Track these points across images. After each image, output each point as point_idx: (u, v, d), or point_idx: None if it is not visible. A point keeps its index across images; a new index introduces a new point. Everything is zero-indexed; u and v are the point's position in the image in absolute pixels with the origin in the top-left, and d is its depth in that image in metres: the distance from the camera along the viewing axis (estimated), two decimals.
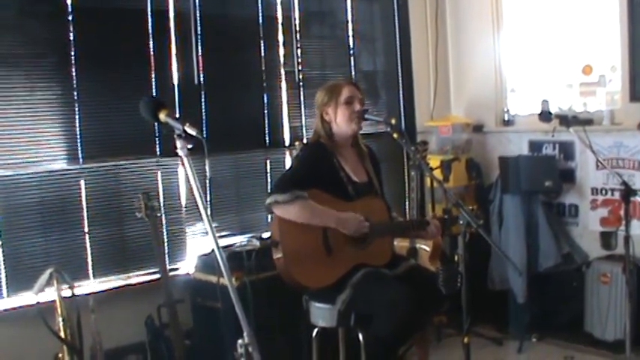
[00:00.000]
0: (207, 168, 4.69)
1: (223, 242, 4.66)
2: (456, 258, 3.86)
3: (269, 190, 3.89)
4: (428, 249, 4.87)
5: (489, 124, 6.00)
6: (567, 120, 4.74)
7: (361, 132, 3.98)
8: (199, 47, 4.89)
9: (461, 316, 3.49)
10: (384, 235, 3.89)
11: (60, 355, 3.67)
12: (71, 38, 4.38)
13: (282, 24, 5.35)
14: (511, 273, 5.34)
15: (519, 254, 5.30)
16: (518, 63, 6.17)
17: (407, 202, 5.76)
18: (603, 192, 5.34)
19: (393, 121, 3.81)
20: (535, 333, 5.35)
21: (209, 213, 2.45)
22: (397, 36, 6.06)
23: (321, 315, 3.75)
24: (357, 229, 3.65)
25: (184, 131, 2.45)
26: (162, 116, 2.52)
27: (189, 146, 2.46)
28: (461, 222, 3.71)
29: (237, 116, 5.12)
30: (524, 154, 5.66)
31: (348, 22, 5.80)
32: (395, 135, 3.75)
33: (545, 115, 4.95)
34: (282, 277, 3.67)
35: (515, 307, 5.39)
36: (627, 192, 4.17)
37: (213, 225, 2.86)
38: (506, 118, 5.98)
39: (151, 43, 4.70)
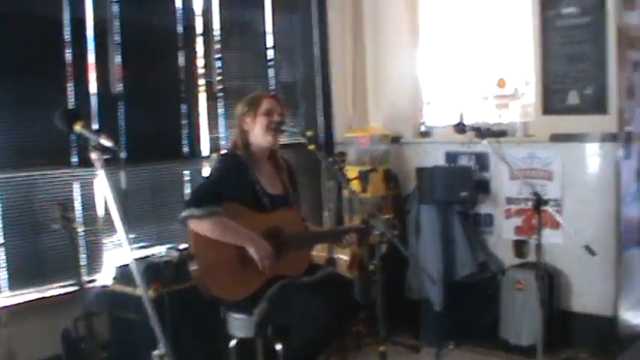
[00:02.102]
0: (122, 179, 4.64)
1: (141, 253, 4.60)
2: (371, 267, 3.92)
3: (185, 202, 3.87)
4: (346, 259, 4.90)
5: (407, 136, 6.10)
6: (482, 132, 4.86)
7: (280, 143, 4.00)
8: (118, 57, 4.82)
9: (379, 324, 3.54)
10: (300, 246, 3.91)
11: None
12: None
13: (202, 34, 5.32)
14: (429, 282, 5.42)
15: (436, 263, 5.38)
16: (434, 76, 6.29)
17: (325, 213, 5.80)
18: (517, 202, 5.48)
19: (310, 133, 3.84)
20: (452, 340, 5.42)
21: (125, 224, 2.42)
22: (316, 47, 6.11)
23: (239, 326, 3.76)
24: (262, 258, 3.64)
25: (99, 143, 2.43)
26: (77, 127, 2.49)
27: (105, 157, 2.44)
28: (376, 232, 3.77)
29: (156, 127, 5.05)
30: (441, 165, 5.76)
31: (267, 33, 5.81)
32: (311, 147, 3.79)
33: (460, 127, 5.06)
34: (199, 289, 3.66)
35: (432, 316, 5.45)
36: (538, 202, 4.30)
37: (131, 236, 2.83)
38: (423, 130, 6.09)
39: (68, 51, 4.60)
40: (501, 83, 5.94)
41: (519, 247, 5.49)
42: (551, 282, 5.18)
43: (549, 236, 5.07)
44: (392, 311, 4.79)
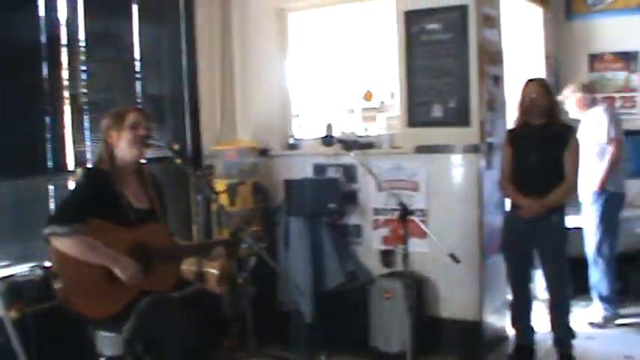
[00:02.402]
0: None
1: (3, 272, 4.41)
2: (240, 281, 3.92)
3: (48, 219, 3.74)
4: (216, 272, 4.87)
5: (275, 148, 6.09)
6: (349, 144, 4.95)
7: (147, 157, 3.95)
8: None
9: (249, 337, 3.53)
10: (168, 261, 3.86)
11: None
12: None
13: (67, 45, 5.15)
14: (299, 293, 5.43)
15: (305, 274, 5.39)
16: (303, 88, 6.34)
17: (193, 227, 5.72)
18: (384, 212, 5.57)
19: (177, 147, 3.81)
20: (323, 351, 5.42)
21: None
22: (184, 60, 6.03)
23: (107, 344, 3.66)
24: (129, 278, 3.58)
25: None
26: None
27: None
28: (244, 245, 3.77)
29: (18, 140, 4.84)
30: (309, 177, 5.78)
31: (134, 44, 5.69)
32: (178, 160, 3.77)
33: (327, 140, 5.13)
34: (64, 308, 3.55)
35: (303, 327, 5.46)
36: (404, 212, 4.39)
37: None
38: (291, 142, 6.11)
39: None
40: (368, 96, 6.06)
41: (387, 256, 5.59)
42: (418, 289, 5.31)
43: (416, 245, 5.19)
44: (263, 324, 4.82)
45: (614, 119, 6.10)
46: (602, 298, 6.13)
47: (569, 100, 6.22)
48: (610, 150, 5.96)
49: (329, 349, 5.44)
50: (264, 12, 6.22)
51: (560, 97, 6.05)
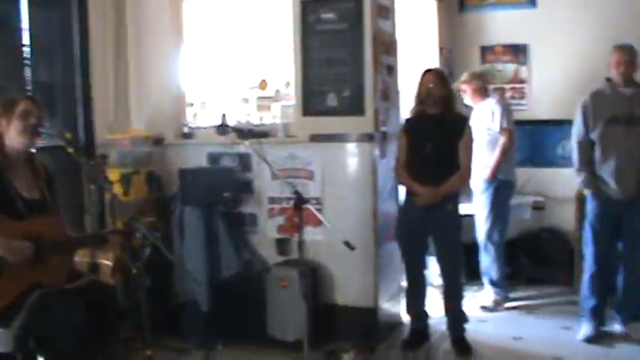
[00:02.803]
0: None
1: None
2: (135, 271, 3.86)
3: None
4: (109, 263, 4.78)
5: (170, 137, 6.00)
6: (244, 133, 4.93)
7: (38, 146, 3.86)
8: None
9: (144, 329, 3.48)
10: (60, 253, 3.78)
11: None
12: None
13: None
14: (194, 283, 5.39)
15: (201, 264, 5.35)
16: (198, 77, 6.27)
17: (86, 217, 5.59)
18: (279, 201, 5.57)
19: (68, 136, 3.74)
20: (220, 341, 5.41)
21: None
22: (76, 47, 5.85)
23: None
24: (21, 256, 3.52)
25: None
26: None
27: None
28: (138, 235, 3.71)
29: None
30: (204, 166, 5.74)
31: (23, 29, 5.49)
32: (70, 149, 3.70)
33: (222, 129, 5.09)
34: None
35: (199, 317, 5.42)
36: (299, 200, 4.42)
37: None
38: (186, 131, 6.04)
39: None
40: (263, 85, 6.04)
41: (282, 245, 5.59)
42: (314, 277, 5.34)
43: (311, 233, 5.22)
44: (159, 315, 4.75)
45: (507, 110, 6.29)
46: (492, 283, 6.33)
47: (463, 87, 6.39)
48: (502, 140, 6.13)
49: (226, 338, 5.43)
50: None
51: (454, 85, 6.20)
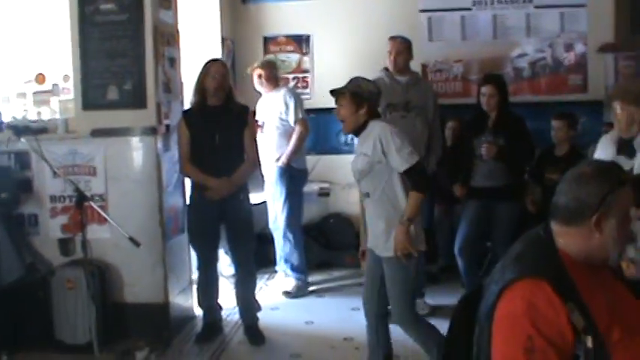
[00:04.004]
0: None
1: None
2: None
3: None
4: None
5: None
6: (19, 130, 4.72)
7: None
8: None
9: None
10: None
11: None
12: None
13: None
14: None
15: None
16: None
17: None
18: (62, 199, 5.36)
19: None
20: (5, 350, 5.14)
21: None
22: None
23: None
24: None
25: None
26: None
27: None
28: None
29: None
30: None
31: None
32: None
33: None
34: None
35: None
36: (80, 198, 4.28)
37: None
38: None
39: None
40: (40, 79, 5.80)
41: (66, 244, 5.37)
42: (102, 277, 5.19)
43: (96, 231, 5.11)
44: None
45: (299, 100, 6.40)
46: (293, 269, 6.42)
47: (259, 72, 6.39)
48: (298, 129, 6.23)
49: (11, 347, 5.16)
50: None
51: (248, 71, 6.24)
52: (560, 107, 6.54)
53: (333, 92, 4.21)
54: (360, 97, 4.11)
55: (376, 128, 4.10)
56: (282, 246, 6.48)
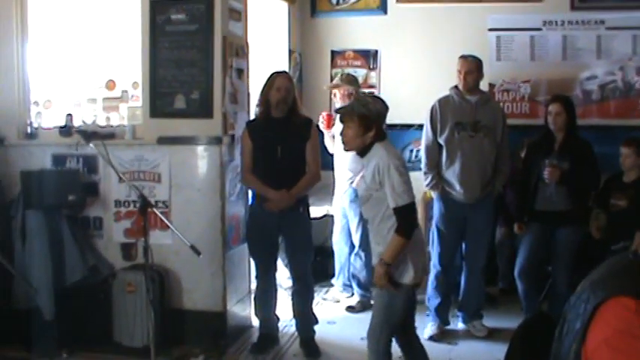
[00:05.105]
0: None
1: None
2: None
3: None
4: None
5: (11, 137, 5.74)
6: (88, 134, 4.81)
7: None
8: None
9: None
10: None
11: None
12: None
13: None
14: (36, 290, 5.20)
15: (44, 270, 5.17)
16: (43, 75, 6.06)
17: None
18: (126, 204, 5.47)
19: None
20: (65, 348, 5.25)
21: None
22: None
23: None
24: None
25: None
26: None
27: None
28: None
29: None
30: (48, 168, 5.54)
31: None
32: None
33: (66, 130, 4.95)
34: None
35: (42, 325, 5.22)
36: (144, 204, 4.35)
37: None
38: (29, 131, 5.81)
39: None
40: (110, 85, 5.91)
41: (128, 249, 5.49)
42: (161, 282, 5.27)
43: (158, 237, 5.19)
44: None
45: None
46: (360, 286, 6.40)
47: (342, 91, 6.27)
48: None
49: (71, 346, 5.27)
50: None
51: (329, 86, 6.23)
52: (629, 132, 6.40)
53: (339, 111, 4.13)
54: (368, 120, 3.97)
55: (378, 154, 3.98)
56: (344, 262, 6.49)
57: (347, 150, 4.26)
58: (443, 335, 5.67)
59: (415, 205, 4.03)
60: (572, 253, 5.44)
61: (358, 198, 4.16)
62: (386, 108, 4.12)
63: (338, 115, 6.18)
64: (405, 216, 3.91)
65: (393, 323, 4.10)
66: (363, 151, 4.06)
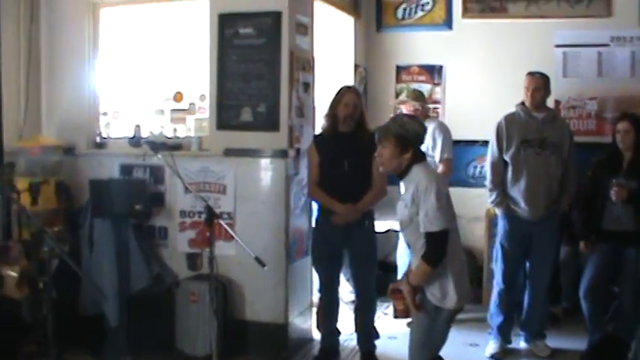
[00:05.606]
0: None
1: None
2: (41, 284, 3.76)
3: None
4: (14, 275, 4.66)
5: (81, 147, 5.90)
6: (156, 145, 4.88)
7: None
8: None
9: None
10: None
11: None
12: None
13: None
14: (102, 296, 5.28)
15: (110, 277, 5.27)
16: (112, 86, 6.18)
17: None
18: (191, 215, 5.55)
19: None
20: (130, 355, 5.31)
21: None
22: None
23: None
24: None
25: None
26: None
27: None
28: (45, 247, 3.62)
29: None
30: (115, 177, 5.66)
31: None
32: None
33: (134, 140, 5.04)
34: None
35: (108, 331, 5.32)
36: (210, 215, 4.39)
37: None
38: (98, 141, 5.94)
39: None
40: (178, 97, 6.00)
41: (193, 259, 5.56)
42: (224, 292, 5.31)
43: (222, 248, 5.21)
44: (66, 329, 4.65)
45: (448, 137, 6.19)
46: None
47: (409, 107, 6.19)
48: (440, 169, 6.02)
49: (134, 352, 5.32)
50: (75, 5, 6.01)
51: (395, 102, 6.20)
52: None
53: (375, 130, 4.00)
54: (405, 141, 3.81)
55: (417, 177, 3.81)
56: None
57: (383, 171, 4.14)
58: (505, 354, 5.59)
59: (447, 235, 3.78)
60: (639, 274, 5.34)
61: (399, 222, 4.02)
62: (423, 128, 3.96)
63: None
64: (434, 243, 3.74)
65: (433, 347, 4.00)
66: (401, 174, 3.91)
